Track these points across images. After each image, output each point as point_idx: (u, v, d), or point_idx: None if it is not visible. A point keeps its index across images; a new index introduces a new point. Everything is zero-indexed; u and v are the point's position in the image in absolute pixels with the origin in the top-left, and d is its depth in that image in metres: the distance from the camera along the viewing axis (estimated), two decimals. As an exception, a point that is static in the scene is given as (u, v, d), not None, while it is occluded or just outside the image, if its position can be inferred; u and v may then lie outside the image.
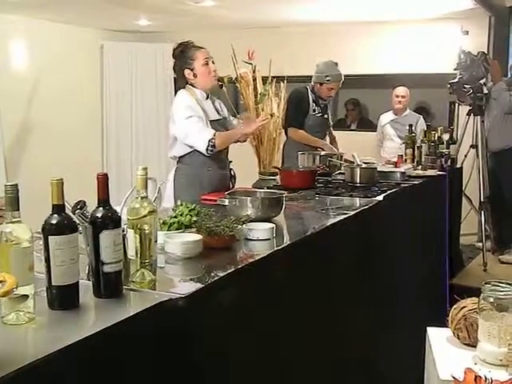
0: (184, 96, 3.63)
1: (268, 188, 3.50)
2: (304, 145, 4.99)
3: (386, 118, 6.82)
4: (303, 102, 5.15)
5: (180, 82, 3.73)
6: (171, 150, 3.72)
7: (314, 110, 5.18)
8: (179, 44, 3.69)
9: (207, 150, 3.52)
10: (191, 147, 3.59)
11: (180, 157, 3.68)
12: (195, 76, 3.63)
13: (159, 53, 8.31)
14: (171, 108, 3.68)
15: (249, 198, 2.67)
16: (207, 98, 3.70)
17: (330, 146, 5.04)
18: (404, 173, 4.25)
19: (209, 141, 3.49)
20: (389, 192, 3.57)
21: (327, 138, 5.43)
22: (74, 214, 1.72)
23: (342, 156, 4.53)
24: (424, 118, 6.75)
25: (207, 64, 3.63)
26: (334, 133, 5.51)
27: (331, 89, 5.12)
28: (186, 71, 3.63)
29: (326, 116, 5.27)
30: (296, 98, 5.19)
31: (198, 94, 3.65)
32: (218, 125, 3.69)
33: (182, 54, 3.64)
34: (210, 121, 3.63)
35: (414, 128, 5.38)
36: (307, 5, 6.19)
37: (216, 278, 1.87)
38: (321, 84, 5.10)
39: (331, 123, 5.55)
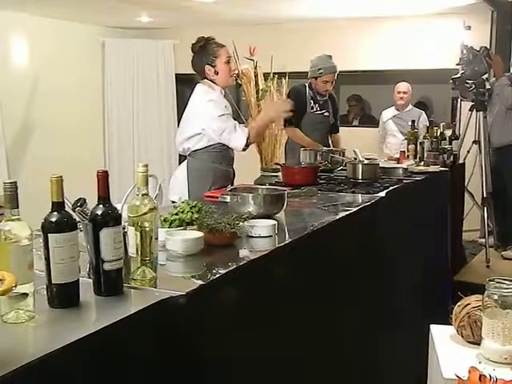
0: (207, 91, 3.64)
1: (270, 184, 3.48)
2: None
3: (388, 113, 6.82)
4: (300, 100, 5.09)
5: (198, 77, 3.74)
6: (186, 142, 3.69)
7: (312, 108, 5.13)
8: (200, 38, 3.69)
9: (244, 148, 3.62)
10: (221, 143, 3.63)
11: (194, 151, 3.67)
12: (216, 73, 3.65)
13: (161, 49, 8.31)
14: (191, 101, 3.68)
15: (250, 195, 2.65)
16: (224, 96, 3.73)
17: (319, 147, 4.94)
18: (406, 169, 4.23)
19: (246, 139, 3.58)
20: (391, 188, 3.56)
21: (337, 138, 5.40)
22: (74, 211, 1.70)
23: (343, 152, 4.51)
24: (426, 113, 6.74)
25: (229, 62, 3.67)
26: (339, 134, 5.46)
27: (326, 82, 5.06)
28: (207, 67, 3.64)
29: (326, 113, 5.22)
30: (292, 97, 5.17)
31: (217, 90, 3.67)
32: None
33: (204, 50, 3.65)
34: None
35: (416, 124, 5.36)
36: (309, 1, 6.17)
37: (217, 276, 1.85)
38: (316, 78, 5.06)
39: (338, 124, 5.50)
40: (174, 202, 3.34)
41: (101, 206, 1.61)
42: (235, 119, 3.72)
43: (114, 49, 8.15)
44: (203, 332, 1.71)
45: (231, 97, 4.00)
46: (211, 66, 3.63)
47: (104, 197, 1.62)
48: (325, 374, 2.50)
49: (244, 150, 3.65)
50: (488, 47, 5.93)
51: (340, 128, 5.46)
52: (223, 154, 3.68)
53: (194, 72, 3.77)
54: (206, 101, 3.60)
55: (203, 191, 3.30)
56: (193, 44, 3.70)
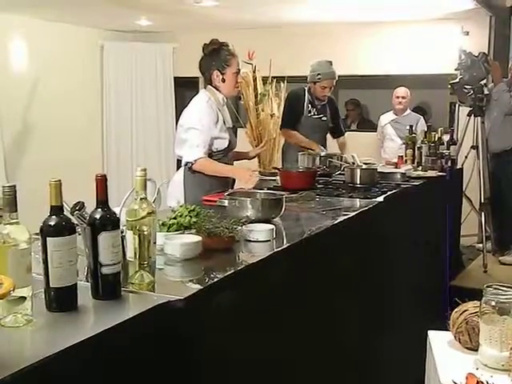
0: (203, 100, 3.60)
1: (268, 189, 3.48)
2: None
3: (387, 118, 6.82)
4: (297, 103, 5.11)
5: (204, 80, 3.72)
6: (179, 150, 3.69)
7: (310, 112, 5.14)
8: (215, 41, 3.63)
9: (185, 165, 3.56)
10: (217, 151, 3.62)
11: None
12: (223, 81, 3.61)
13: (159, 53, 8.30)
14: (188, 107, 3.66)
15: (248, 199, 2.65)
16: (225, 104, 3.71)
17: (319, 147, 4.95)
18: (404, 174, 4.24)
19: (188, 162, 3.52)
20: (389, 193, 3.56)
21: (342, 141, 5.39)
22: (73, 215, 1.71)
23: (342, 157, 4.52)
24: (424, 118, 6.75)
25: (237, 74, 3.64)
26: (344, 138, 5.43)
27: (324, 87, 5.07)
28: (216, 73, 3.60)
29: (324, 118, 5.22)
30: (290, 100, 5.18)
31: (219, 98, 3.64)
32: (233, 132, 3.73)
33: (216, 54, 3.59)
34: (227, 128, 3.65)
35: (414, 129, 5.37)
36: (308, 5, 6.17)
37: (215, 280, 1.86)
38: (314, 83, 5.08)
39: (341, 127, 5.50)
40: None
41: (99, 209, 1.61)
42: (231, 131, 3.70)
43: (113, 52, 8.14)
44: (201, 336, 1.71)
45: (231, 104, 3.98)
46: (220, 73, 3.59)
47: (102, 201, 1.62)
48: (324, 376, 2.50)
49: (188, 166, 3.55)
50: (486, 53, 5.94)
51: (334, 134, 5.47)
52: (220, 160, 3.63)
53: (193, 76, 3.75)
54: (194, 110, 3.59)
55: (197, 198, 3.27)
56: (205, 44, 3.63)
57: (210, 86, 3.65)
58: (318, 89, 5.07)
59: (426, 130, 5.58)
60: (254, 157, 4.36)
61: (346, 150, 5.18)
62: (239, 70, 3.68)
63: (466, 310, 1.89)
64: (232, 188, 3.71)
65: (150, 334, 1.56)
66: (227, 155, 3.70)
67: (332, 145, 5.43)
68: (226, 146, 3.63)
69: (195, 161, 3.50)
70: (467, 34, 6.05)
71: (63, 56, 7.43)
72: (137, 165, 7.25)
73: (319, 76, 5.01)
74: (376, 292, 3.11)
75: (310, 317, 2.39)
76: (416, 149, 4.97)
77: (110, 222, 1.60)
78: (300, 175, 3.82)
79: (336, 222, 2.79)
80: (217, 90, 3.64)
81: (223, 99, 3.67)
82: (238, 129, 4.24)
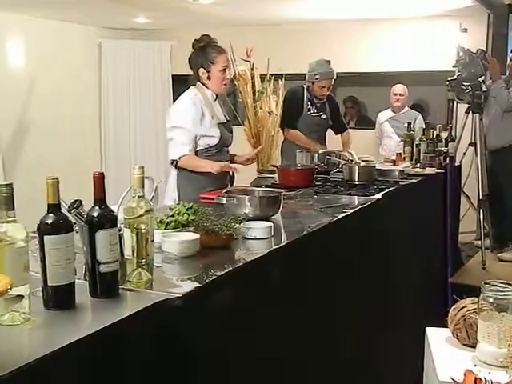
0: (188, 98, 3.61)
1: (266, 186, 3.48)
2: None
3: (385, 115, 6.82)
4: (297, 101, 5.10)
5: (193, 76, 3.73)
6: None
7: (309, 110, 5.13)
8: (204, 38, 3.64)
9: (171, 163, 3.61)
10: (212, 147, 3.63)
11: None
12: (209, 78, 3.62)
13: (157, 51, 8.30)
14: (173, 106, 3.69)
15: (247, 197, 2.65)
16: (215, 100, 3.71)
17: (321, 148, 4.93)
18: (402, 171, 4.24)
19: (173, 160, 3.57)
20: (387, 190, 3.56)
21: (346, 137, 5.38)
22: (70, 213, 1.70)
23: (340, 154, 4.51)
24: (422, 115, 6.75)
25: (224, 71, 3.63)
26: (347, 134, 5.43)
27: (322, 87, 5.08)
28: (201, 70, 3.62)
29: (323, 116, 5.22)
30: (290, 98, 5.15)
31: (208, 94, 3.66)
32: (225, 128, 3.71)
33: (203, 52, 3.61)
34: (218, 124, 3.64)
35: (412, 126, 5.36)
36: (306, 2, 6.17)
37: (213, 278, 1.85)
38: (312, 83, 5.08)
39: (345, 124, 5.49)
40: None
41: (97, 207, 1.60)
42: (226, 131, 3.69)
43: (111, 50, 8.13)
44: (199, 334, 1.71)
45: (228, 100, 3.96)
46: (205, 70, 3.61)
47: (100, 199, 1.62)
48: (324, 374, 2.50)
49: (174, 164, 3.59)
50: (484, 50, 5.94)
51: (337, 130, 5.46)
52: (216, 158, 3.63)
53: (190, 73, 3.75)
54: (178, 109, 3.63)
55: (192, 196, 3.25)
56: (195, 40, 3.64)
57: (198, 83, 3.67)
58: (317, 88, 5.08)
59: (424, 127, 5.58)
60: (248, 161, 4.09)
61: (349, 146, 5.16)
62: (226, 66, 3.65)
63: (464, 307, 1.89)
64: (231, 186, 3.71)
65: (148, 332, 1.56)
66: (222, 151, 3.69)
67: (332, 143, 5.43)
68: (217, 142, 3.62)
69: (180, 158, 3.53)
70: (465, 31, 6.03)
71: (61, 54, 7.43)
72: (135, 163, 7.24)
73: (317, 76, 5.02)
74: (375, 289, 3.11)
75: (310, 314, 2.39)
76: (414, 146, 4.97)
77: (107, 220, 1.60)
78: (298, 173, 3.81)
79: (334, 219, 2.79)
80: (205, 86, 3.65)
81: (212, 95, 3.67)
82: (237, 127, 4.20)
